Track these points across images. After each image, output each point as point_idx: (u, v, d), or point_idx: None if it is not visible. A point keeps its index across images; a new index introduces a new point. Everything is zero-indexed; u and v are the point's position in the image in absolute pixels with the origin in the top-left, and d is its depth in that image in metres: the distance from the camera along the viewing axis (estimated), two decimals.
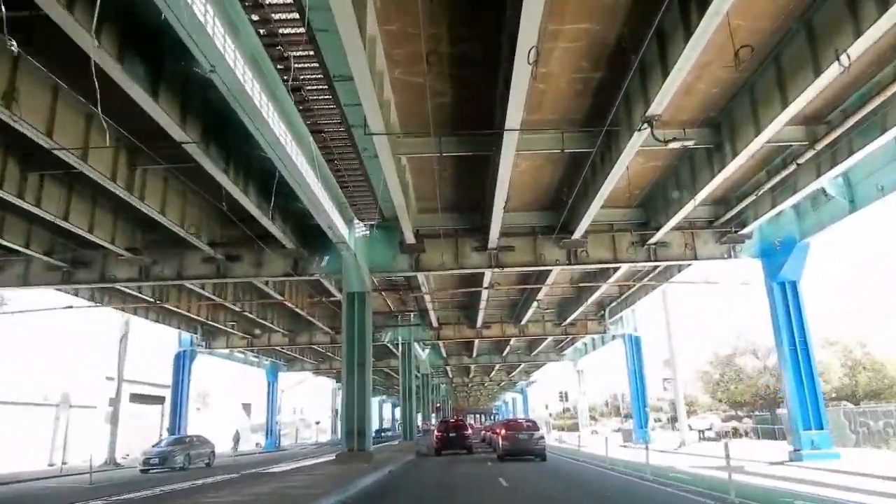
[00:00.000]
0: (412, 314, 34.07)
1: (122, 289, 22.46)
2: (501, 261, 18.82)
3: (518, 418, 24.64)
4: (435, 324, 33.42)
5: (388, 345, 35.65)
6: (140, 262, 18.67)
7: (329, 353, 48.40)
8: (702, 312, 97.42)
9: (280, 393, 52.87)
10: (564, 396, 52.26)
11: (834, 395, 37.79)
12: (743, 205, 16.84)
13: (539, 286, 25.27)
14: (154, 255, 18.66)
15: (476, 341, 40.24)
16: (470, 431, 27.70)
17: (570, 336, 38.42)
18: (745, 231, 18.24)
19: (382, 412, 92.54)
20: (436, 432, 26.99)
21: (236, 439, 49.63)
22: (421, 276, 20.55)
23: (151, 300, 24.84)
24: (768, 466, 16.60)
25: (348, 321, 18.52)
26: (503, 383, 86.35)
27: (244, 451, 45.90)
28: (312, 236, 18.37)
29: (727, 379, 48.76)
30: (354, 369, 18.11)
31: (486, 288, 22.33)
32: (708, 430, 33.68)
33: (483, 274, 20.96)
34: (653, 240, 18.15)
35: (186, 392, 34.42)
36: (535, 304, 27.26)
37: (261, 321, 30.90)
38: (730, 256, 18.78)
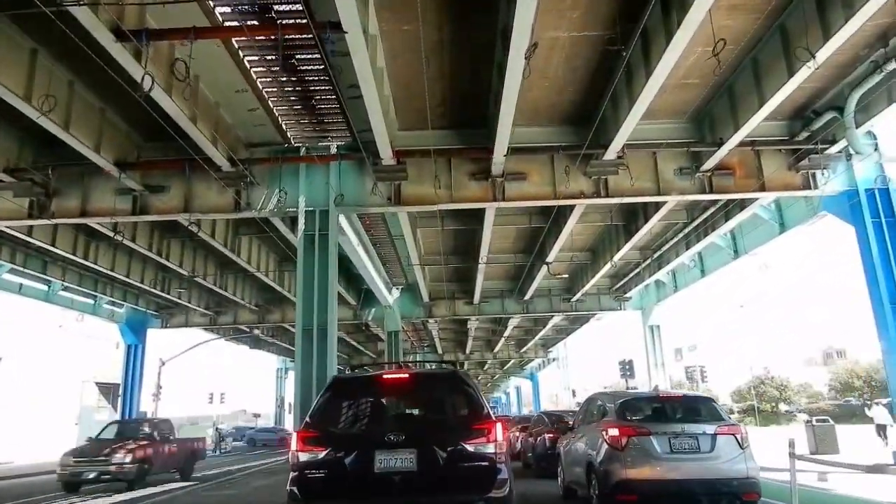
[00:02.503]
0: (334, 138, 13.64)
1: None
2: None
3: None
4: (388, 157, 12.93)
5: (273, 218, 14.84)
6: None
7: (234, 298, 27.95)
8: None
9: (160, 366, 32.38)
10: (628, 368, 31.16)
11: None
12: None
13: None
14: None
15: (488, 227, 18.47)
16: (503, 437, 6.20)
17: (722, 198, 17.43)
18: None
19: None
20: (294, 447, 5.72)
21: None
22: None
23: None
24: None
25: None
26: (510, 365, 66.02)
27: None
28: None
29: None
30: None
31: None
32: None
33: None
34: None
35: None
36: None
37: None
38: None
